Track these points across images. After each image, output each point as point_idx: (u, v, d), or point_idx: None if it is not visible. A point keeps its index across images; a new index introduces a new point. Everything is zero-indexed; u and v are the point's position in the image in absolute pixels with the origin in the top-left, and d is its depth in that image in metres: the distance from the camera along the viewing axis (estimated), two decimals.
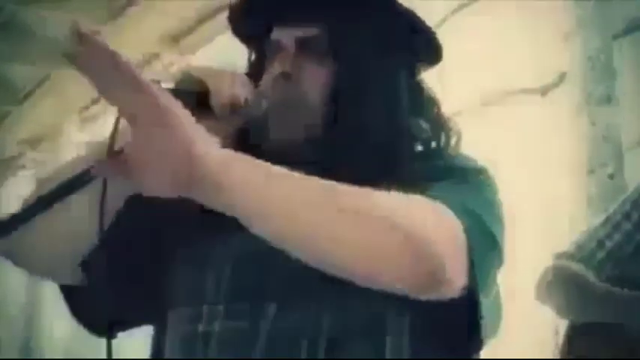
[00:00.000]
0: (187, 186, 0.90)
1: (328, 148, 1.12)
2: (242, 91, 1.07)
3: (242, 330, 1.09)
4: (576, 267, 1.97)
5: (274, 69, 1.16)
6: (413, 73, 1.24)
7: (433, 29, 1.22)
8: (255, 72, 1.18)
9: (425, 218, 0.98)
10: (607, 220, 2.05)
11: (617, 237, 2.02)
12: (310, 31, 1.18)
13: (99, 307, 1.13)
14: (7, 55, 5.85)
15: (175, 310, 1.15)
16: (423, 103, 1.25)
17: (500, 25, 3.20)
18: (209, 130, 0.97)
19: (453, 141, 1.21)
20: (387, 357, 1.09)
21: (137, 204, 1.07)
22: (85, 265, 1.12)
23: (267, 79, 1.14)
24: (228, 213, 0.93)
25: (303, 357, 1.07)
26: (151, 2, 4.91)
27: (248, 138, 1.13)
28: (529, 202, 2.30)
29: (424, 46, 1.24)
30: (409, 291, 0.99)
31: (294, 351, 1.07)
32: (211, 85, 1.04)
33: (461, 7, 3.35)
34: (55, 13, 5.40)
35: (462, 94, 3.28)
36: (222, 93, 1.05)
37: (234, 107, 1.06)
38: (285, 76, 1.14)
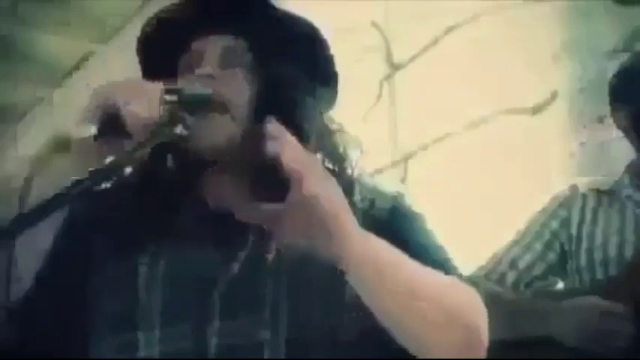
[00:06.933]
0: (327, 250, 0.97)
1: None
2: (154, 109, 1.06)
3: (188, 349, 1.10)
4: (491, 286, 1.97)
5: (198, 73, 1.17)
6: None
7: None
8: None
9: (476, 310, 1.14)
10: (516, 242, 2.05)
11: (527, 258, 2.02)
12: (234, 42, 1.20)
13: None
14: (1, 76, 5.85)
15: (103, 340, 1.15)
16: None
17: (492, 44, 3.21)
18: (119, 151, 1.02)
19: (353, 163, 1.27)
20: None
21: (64, 242, 1.09)
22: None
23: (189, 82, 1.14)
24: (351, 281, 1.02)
25: (266, 357, 1.08)
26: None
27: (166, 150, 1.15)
28: (518, 221, 2.31)
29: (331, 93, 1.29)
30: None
31: (254, 352, 1.09)
32: (124, 110, 1.05)
33: (452, 28, 3.37)
34: (52, 35, 5.41)
35: (453, 113, 3.30)
36: (137, 117, 1.05)
37: (148, 128, 1.06)
38: (209, 77, 1.15)
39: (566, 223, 2.06)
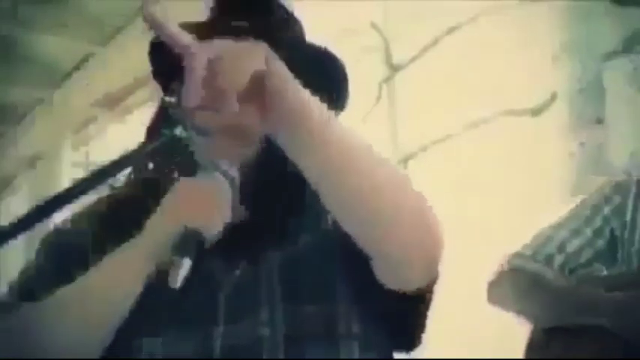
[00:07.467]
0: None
1: (254, 188, 1.16)
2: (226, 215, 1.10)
3: (193, 353, 1.11)
4: (541, 269, 1.93)
5: None
6: None
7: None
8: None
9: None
10: (566, 224, 2.00)
11: (577, 243, 1.98)
12: None
13: None
14: (2, 77, 5.86)
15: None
16: None
17: (492, 45, 3.22)
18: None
19: None
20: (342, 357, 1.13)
21: None
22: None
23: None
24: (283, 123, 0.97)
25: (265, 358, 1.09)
26: (144, 27, 4.93)
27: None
28: (518, 222, 2.31)
29: (341, 99, 1.29)
30: (405, 263, 1.08)
31: (254, 353, 1.09)
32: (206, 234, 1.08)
33: (452, 29, 3.38)
34: (52, 36, 5.42)
35: (453, 115, 3.31)
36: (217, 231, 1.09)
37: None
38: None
39: (620, 209, 2.00)
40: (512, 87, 3.12)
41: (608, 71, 2.76)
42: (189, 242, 1.02)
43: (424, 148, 3.47)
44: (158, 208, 1.10)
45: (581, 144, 2.78)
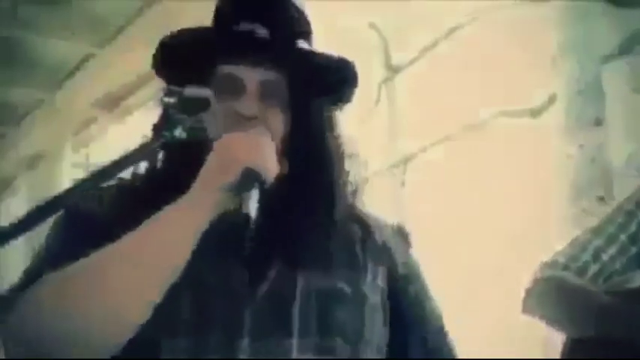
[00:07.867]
0: None
1: (279, 196, 1.15)
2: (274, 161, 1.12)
3: None
4: (574, 278, 1.89)
5: (235, 106, 1.19)
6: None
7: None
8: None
9: None
10: (600, 231, 1.95)
11: (612, 250, 1.93)
12: (273, 75, 1.20)
13: None
14: (3, 78, 5.86)
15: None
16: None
17: (491, 47, 3.22)
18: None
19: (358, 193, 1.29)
20: None
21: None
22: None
23: (221, 111, 1.16)
24: None
25: None
26: (144, 28, 4.94)
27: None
28: (518, 224, 2.31)
29: (347, 95, 1.32)
30: None
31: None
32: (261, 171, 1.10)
33: (451, 30, 3.38)
34: (51, 37, 5.42)
35: (453, 116, 3.31)
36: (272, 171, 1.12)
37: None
38: (252, 119, 1.16)
39: None
40: (511, 88, 3.13)
41: (606, 73, 2.76)
42: (251, 180, 1.05)
43: (423, 149, 3.47)
44: (207, 161, 1.08)
45: (580, 146, 2.78)
